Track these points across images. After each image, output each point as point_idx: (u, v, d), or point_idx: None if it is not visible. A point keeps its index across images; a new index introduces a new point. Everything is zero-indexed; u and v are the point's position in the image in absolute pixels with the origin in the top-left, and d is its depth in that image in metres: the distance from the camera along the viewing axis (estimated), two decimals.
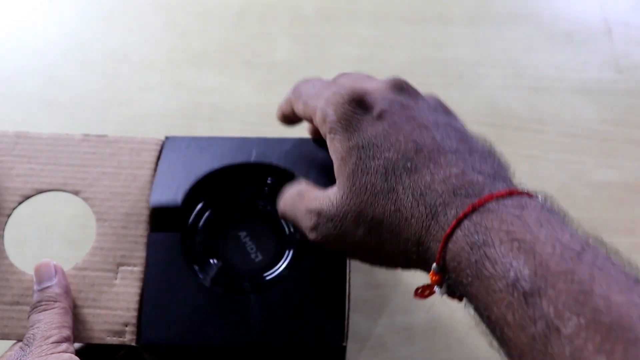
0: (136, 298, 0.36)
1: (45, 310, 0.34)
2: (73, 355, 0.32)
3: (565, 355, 0.20)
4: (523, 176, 0.54)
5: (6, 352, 0.34)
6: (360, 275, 0.48)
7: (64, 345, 0.32)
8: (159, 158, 0.39)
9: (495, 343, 0.24)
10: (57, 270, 0.35)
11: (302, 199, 0.32)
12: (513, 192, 0.26)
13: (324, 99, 0.30)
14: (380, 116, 0.29)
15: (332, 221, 0.29)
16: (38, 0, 0.63)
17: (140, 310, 0.36)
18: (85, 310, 0.36)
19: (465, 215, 0.25)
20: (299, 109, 0.33)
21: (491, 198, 0.25)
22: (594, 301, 0.20)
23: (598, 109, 0.58)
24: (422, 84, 0.60)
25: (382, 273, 0.48)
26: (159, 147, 0.40)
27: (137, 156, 0.39)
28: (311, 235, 0.31)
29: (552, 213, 0.25)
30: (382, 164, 0.27)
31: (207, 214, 0.39)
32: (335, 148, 0.29)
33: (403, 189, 0.27)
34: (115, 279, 0.36)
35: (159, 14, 0.63)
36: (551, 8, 0.64)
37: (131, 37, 0.61)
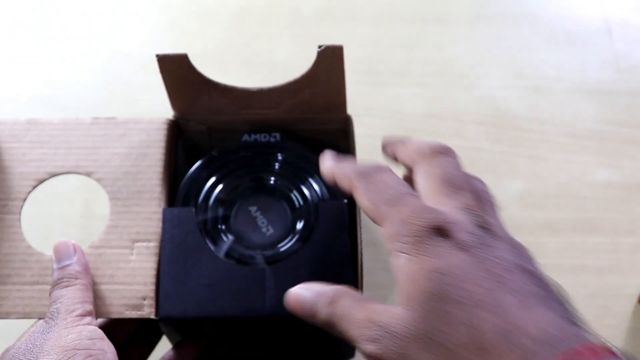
0: (153, 272, 0.37)
1: (67, 286, 0.35)
2: (97, 328, 0.33)
3: None
4: (523, 176, 0.55)
5: (30, 327, 0.35)
6: None
7: (88, 319, 0.34)
8: (167, 137, 0.40)
9: None
10: (76, 248, 0.37)
11: (360, 307, 0.29)
12: (604, 352, 0.23)
13: (400, 215, 0.28)
14: (462, 248, 0.27)
15: (397, 339, 0.26)
16: (38, 0, 0.64)
17: (158, 284, 0.37)
18: (103, 287, 0.37)
19: None
20: (362, 202, 0.31)
21: (585, 352, 0.23)
22: None
23: (598, 108, 0.58)
24: (422, 84, 0.60)
25: (382, 273, 0.48)
26: (166, 127, 0.41)
27: (147, 136, 0.40)
28: (368, 348, 0.27)
29: None
30: (463, 295, 0.25)
31: (218, 189, 0.40)
32: (405, 268, 0.27)
33: (487, 325, 0.24)
34: (131, 254, 0.37)
35: (159, 14, 0.63)
36: (551, 8, 0.64)
37: (132, 38, 0.61)
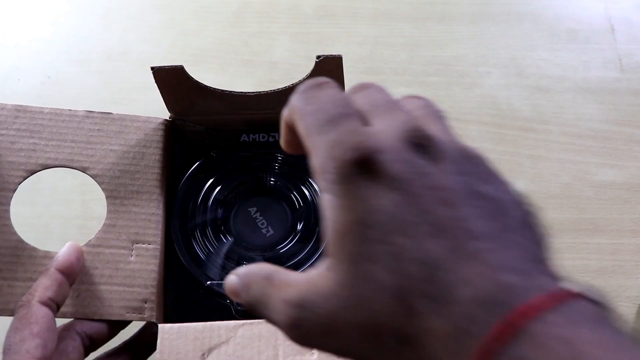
0: (154, 275, 0.37)
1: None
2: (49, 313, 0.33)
3: None
4: (525, 176, 0.54)
5: None
6: None
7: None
8: (165, 137, 0.40)
9: None
10: (71, 246, 0.36)
11: (273, 287, 0.25)
12: (557, 297, 0.20)
13: (326, 146, 0.23)
14: (391, 185, 0.22)
15: (319, 316, 0.22)
16: None
17: (160, 287, 0.37)
18: (102, 287, 0.36)
19: (502, 341, 0.19)
20: (299, 131, 0.25)
21: (530, 312, 0.19)
22: None
23: (601, 108, 0.57)
24: (424, 84, 0.60)
25: None
26: (164, 127, 0.40)
27: (144, 135, 0.39)
28: (290, 334, 0.24)
29: (605, 323, 0.20)
30: (391, 251, 0.21)
31: (217, 190, 0.40)
32: (331, 215, 0.23)
33: (413, 289, 0.21)
34: (131, 256, 0.37)
35: (157, 12, 0.62)
36: (554, 6, 0.63)
37: (129, 36, 0.61)
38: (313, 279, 0.23)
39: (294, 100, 0.26)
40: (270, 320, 0.25)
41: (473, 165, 0.24)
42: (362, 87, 0.26)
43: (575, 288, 0.20)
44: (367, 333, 0.22)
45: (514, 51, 0.60)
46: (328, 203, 0.23)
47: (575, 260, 0.51)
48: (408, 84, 0.58)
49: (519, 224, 0.23)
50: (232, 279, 0.26)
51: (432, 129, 0.25)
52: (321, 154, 0.23)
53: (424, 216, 0.21)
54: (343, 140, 0.23)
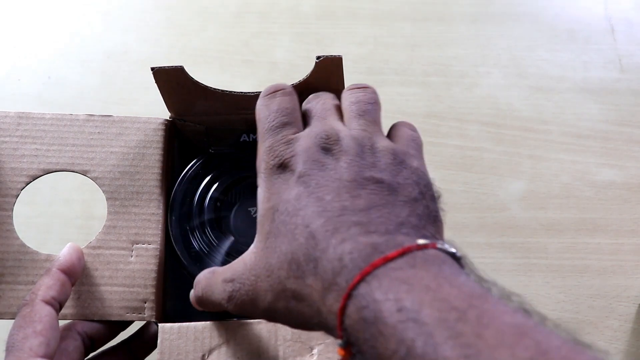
0: (153, 275, 0.37)
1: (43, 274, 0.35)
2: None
3: None
4: (525, 176, 0.54)
5: None
6: None
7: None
8: (165, 138, 0.40)
9: None
10: (72, 247, 0.37)
11: (215, 274, 0.31)
12: (406, 250, 0.24)
13: (263, 151, 0.30)
14: (298, 180, 0.28)
15: (245, 286, 0.29)
16: None
17: (159, 287, 0.37)
18: (102, 288, 0.36)
19: (356, 285, 0.23)
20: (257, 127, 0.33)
21: (381, 262, 0.24)
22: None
23: (601, 108, 0.57)
24: (424, 84, 0.60)
25: None
26: (164, 127, 0.40)
27: (144, 136, 0.40)
28: (229, 307, 0.30)
29: (445, 264, 0.24)
30: (290, 229, 0.27)
31: (215, 187, 0.40)
32: (259, 204, 0.30)
33: (301, 255, 0.26)
34: (131, 256, 0.37)
35: (157, 12, 0.62)
36: (554, 6, 0.63)
37: (130, 36, 0.61)
38: (243, 258, 0.30)
39: (257, 104, 0.33)
40: (214, 303, 0.31)
41: (373, 156, 0.29)
42: (315, 97, 0.34)
43: (429, 242, 0.25)
44: (277, 294, 0.27)
45: (514, 51, 0.60)
46: (259, 195, 0.30)
47: (575, 260, 0.51)
48: (408, 84, 0.58)
49: (405, 200, 0.27)
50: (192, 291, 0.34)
51: (350, 128, 0.31)
52: (259, 157, 0.31)
53: (315, 202, 0.27)
54: (273, 148, 0.30)
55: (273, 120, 0.31)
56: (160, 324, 0.35)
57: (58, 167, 0.39)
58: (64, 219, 0.51)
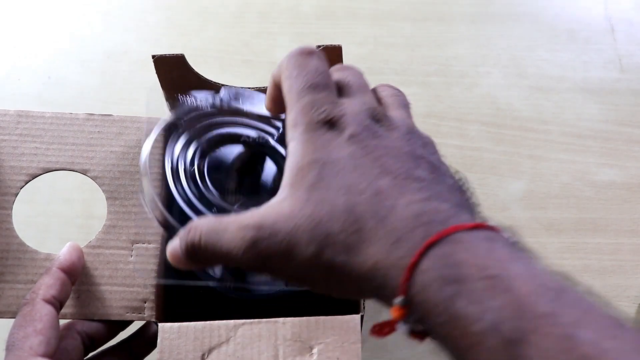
0: (153, 274, 0.37)
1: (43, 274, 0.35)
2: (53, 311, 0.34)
3: None
4: (525, 176, 0.54)
5: None
6: None
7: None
8: (165, 137, 0.39)
9: None
10: (71, 246, 0.36)
11: (222, 222, 0.27)
12: (480, 226, 0.24)
13: (302, 105, 0.29)
14: (350, 140, 0.27)
15: (278, 235, 0.26)
16: None
17: (159, 286, 0.37)
18: (102, 288, 0.36)
19: (433, 244, 0.23)
20: (283, 88, 0.31)
21: (459, 228, 0.23)
22: (582, 349, 0.20)
23: (601, 108, 0.57)
24: (424, 84, 0.60)
25: None
26: (164, 127, 0.40)
27: (144, 135, 0.39)
28: (245, 257, 0.27)
29: (520, 249, 0.24)
30: (345, 183, 0.26)
31: (192, 151, 0.38)
32: (294, 156, 0.28)
33: (364, 209, 0.25)
34: (131, 256, 0.37)
35: (157, 12, 0.63)
36: (554, 6, 0.63)
37: (130, 36, 0.61)
38: (271, 206, 0.27)
39: (285, 62, 0.31)
40: (220, 253, 0.27)
41: (421, 140, 0.30)
42: (344, 68, 0.33)
43: (497, 226, 0.25)
44: (323, 247, 0.25)
45: (514, 51, 0.60)
46: (293, 149, 0.28)
47: (575, 260, 0.51)
48: (408, 84, 0.58)
49: (450, 185, 0.27)
50: (172, 241, 0.29)
51: (393, 113, 0.30)
52: (296, 111, 0.29)
53: (374, 162, 0.26)
54: (318, 104, 0.28)
55: (314, 78, 0.29)
56: (160, 324, 0.35)
57: (58, 166, 0.39)
58: (63, 218, 0.51)
